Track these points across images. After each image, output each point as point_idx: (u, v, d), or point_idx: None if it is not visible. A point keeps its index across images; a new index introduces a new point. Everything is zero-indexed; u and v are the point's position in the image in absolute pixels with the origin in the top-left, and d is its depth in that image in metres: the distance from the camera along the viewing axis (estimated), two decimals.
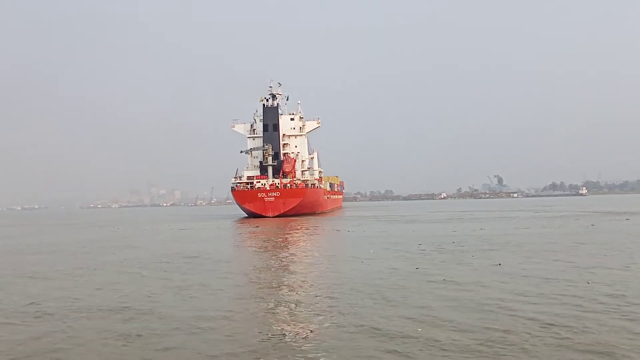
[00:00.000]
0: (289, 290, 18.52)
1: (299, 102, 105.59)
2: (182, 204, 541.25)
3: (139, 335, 12.87)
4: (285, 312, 15.11)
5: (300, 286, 19.32)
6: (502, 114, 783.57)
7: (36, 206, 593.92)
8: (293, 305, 15.93)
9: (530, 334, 12.02)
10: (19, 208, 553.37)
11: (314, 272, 22.82)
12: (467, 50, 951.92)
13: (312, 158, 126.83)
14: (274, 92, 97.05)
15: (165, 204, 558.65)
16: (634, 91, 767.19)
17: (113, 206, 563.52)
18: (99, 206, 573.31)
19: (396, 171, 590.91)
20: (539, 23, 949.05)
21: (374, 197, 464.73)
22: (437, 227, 50.75)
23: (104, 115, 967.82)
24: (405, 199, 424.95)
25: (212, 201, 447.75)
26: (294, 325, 13.63)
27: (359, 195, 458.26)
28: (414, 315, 14.07)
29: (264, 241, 40.13)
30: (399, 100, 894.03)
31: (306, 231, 50.34)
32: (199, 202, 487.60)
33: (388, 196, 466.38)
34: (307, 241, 39.59)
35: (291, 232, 49.71)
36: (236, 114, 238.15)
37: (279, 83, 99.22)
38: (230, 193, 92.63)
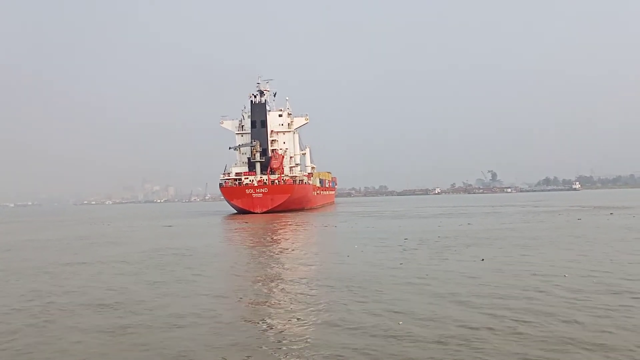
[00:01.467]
0: (272, 286, 18.61)
1: (287, 98, 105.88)
2: (176, 200, 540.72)
3: (122, 330, 13.00)
4: (267, 308, 15.23)
5: (283, 281, 19.43)
6: (495, 110, 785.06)
7: (29, 203, 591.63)
8: (275, 301, 16.08)
9: (509, 327, 12.20)
10: (12, 205, 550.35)
11: (297, 267, 22.92)
12: (460, 49, 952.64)
13: (304, 154, 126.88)
14: (262, 89, 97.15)
15: (159, 200, 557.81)
16: (629, 90, 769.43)
17: (107, 202, 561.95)
18: (92, 202, 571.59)
19: (390, 167, 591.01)
20: (533, 23, 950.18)
21: (368, 193, 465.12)
22: (424, 223, 50.95)
23: (98, 112, 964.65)
24: (399, 194, 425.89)
25: (206, 197, 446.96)
26: (276, 319, 13.78)
27: (353, 191, 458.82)
28: (395, 309, 14.23)
29: (250, 237, 40.20)
30: (391, 97, 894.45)
31: (293, 227, 50.43)
32: (193, 198, 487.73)
33: (382, 192, 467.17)
34: (293, 237, 39.65)
35: (278, 228, 49.77)
36: (227, 110, 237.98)
37: (267, 80, 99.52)
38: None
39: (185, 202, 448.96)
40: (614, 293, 15.49)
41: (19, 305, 16.37)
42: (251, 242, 36.46)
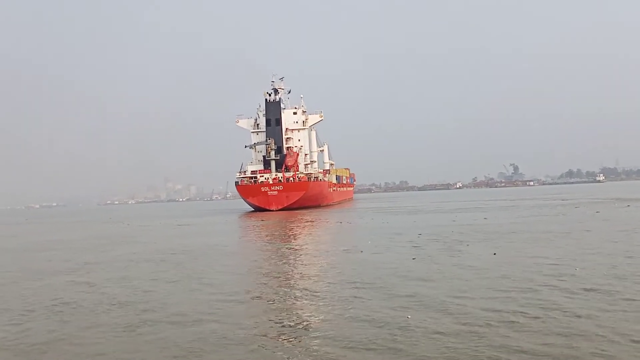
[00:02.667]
0: (283, 281, 18.86)
1: (302, 96, 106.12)
2: (198, 198, 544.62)
3: (138, 327, 13.29)
4: (282, 302, 15.46)
5: (295, 277, 19.69)
6: (517, 102, 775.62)
7: (54, 204, 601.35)
8: (291, 295, 16.35)
9: (518, 322, 12.18)
10: (37, 206, 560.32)
11: (309, 263, 23.11)
12: (477, 31, 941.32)
13: (322, 151, 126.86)
14: (277, 87, 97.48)
15: (181, 199, 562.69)
16: None
17: (130, 202, 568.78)
18: (116, 202, 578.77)
19: (411, 162, 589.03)
20: (546, 7, 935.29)
21: (388, 188, 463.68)
22: (440, 218, 50.67)
23: (119, 113, 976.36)
24: (420, 189, 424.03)
25: (227, 195, 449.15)
26: (291, 314, 14.05)
27: (373, 187, 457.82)
28: (405, 303, 14.34)
29: (266, 234, 40.46)
30: (407, 86, 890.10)
31: (307, 224, 50.60)
32: (215, 196, 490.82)
33: (403, 187, 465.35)
34: (306, 234, 39.79)
35: (292, 225, 49.98)
36: (244, 109, 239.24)
37: (281, 78, 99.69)
38: (232, 187, 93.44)
39: (207, 200, 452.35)
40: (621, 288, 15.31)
41: (36, 303, 16.73)
42: (266, 239, 36.68)
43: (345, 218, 57.17)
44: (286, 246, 30.81)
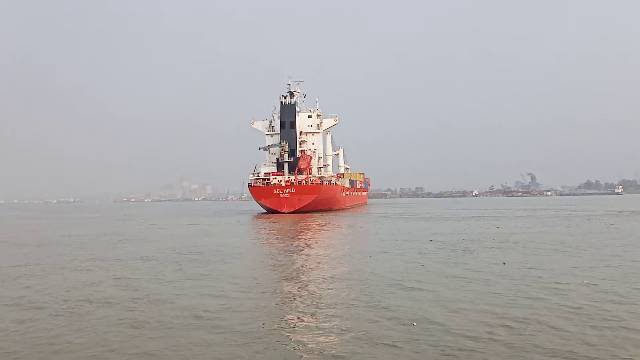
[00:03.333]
0: (286, 285, 18.94)
1: (317, 99, 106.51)
2: (214, 198, 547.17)
3: (144, 325, 13.42)
4: (289, 304, 15.61)
5: (299, 280, 19.74)
6: (535, 111, 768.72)
7: (71, 199, 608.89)
8: (297, 298, 16.39)
9: (522, 334, 12.14)
10: (55, 201, 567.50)
11: (315, 268, 23.01)
12: (498, 34, 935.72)
13: (337, 155, 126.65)
14: (292, 90, 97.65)
15: (197, 199, 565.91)
16: None
17: (146, 200, 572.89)
18: (132, 200, 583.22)
19: (428, 168, 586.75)
20: (572, 10, 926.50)
21: (404, 194, 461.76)
22: (452, 225, 50.34)
23: (135, 117, 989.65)
24: (436, 196, 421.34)
25: (243, 196, 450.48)
26: (297, 315, 14.21)
27: (388, 192, 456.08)
28: (412, 310, 14.36)
29: (277, 236, 40.55)
30: (423, 90, 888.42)
31: (318, 227, 50.55)
32: (230, 197, 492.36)
33: (419, 193, 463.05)
34: (316, 237, 39.74)
35: (303, 228, 49.97)
36: (259, 110, 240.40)
37: (298, 81, 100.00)
38: (247, 188, 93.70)
39: (223, 200, 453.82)
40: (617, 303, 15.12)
41: (44, 298, 17.02)
42: (276, 241, 36.77)
43: (357, 223, 57.10)
44: (295, 249, 30.84)
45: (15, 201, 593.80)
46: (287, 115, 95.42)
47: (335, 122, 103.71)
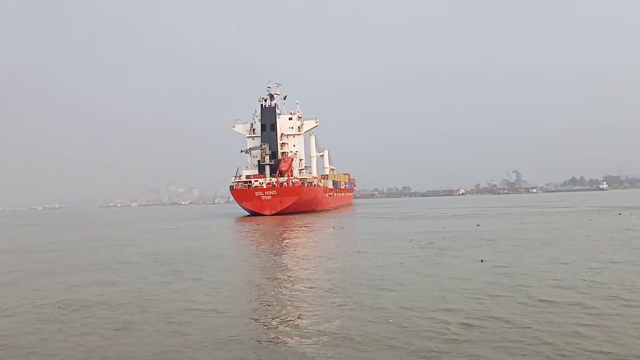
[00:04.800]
0: (271, 286, 18.92)
1: (297, 102, 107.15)
2: (201, 202, 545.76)
3: (125, 328, 13.43)
4: (265, 306, 15.59)
5: (278, 281, 19.78)
6: (520, 110, 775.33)
7: (57, 206, 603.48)
8: (273, 300, 16.39)
9: (497, 327, 12.31)
10: (40, 207, 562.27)
11: (295, 269, 22.98)
12: (472, 45, 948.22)
13: (322, 156, 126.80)
14: (272, 92, 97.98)
15: (183, 202, 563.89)
16: None
17: (132, 205, 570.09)
18: (118, 205, 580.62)
19: (414, 168, 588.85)
20: (544, 18, 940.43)
21: (391, 194, 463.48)
22: (433, 224, 50.62)
23: (121, 118, 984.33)
24: (423, 195, 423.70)
25: (230, 199, 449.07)
26: (272, 316, 14.26)
27: (376, 192, 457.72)
28: (392, 308, 14.48)
29: (257, 239, 40.51)
30: (408, 94, 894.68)
31: (300, 229, 50.53)
32: (217, 200, 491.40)
33: (406, 193, 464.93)
34: (296, 239, 39.71)
35: (285, 229, 49.93)
36: (245, 115, 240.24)
37: (278, 84, 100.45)
38: (229, 191, 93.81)
39: (209, 204, 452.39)
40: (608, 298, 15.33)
41: (28, 304, 16.91)
42: (257, 242, 36.75)
43: (339, 223, 57.12)
44: (275, 251, 30.82)
45: (1, 208, 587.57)
46: (268, 118, 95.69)
47: (316, 124, 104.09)
